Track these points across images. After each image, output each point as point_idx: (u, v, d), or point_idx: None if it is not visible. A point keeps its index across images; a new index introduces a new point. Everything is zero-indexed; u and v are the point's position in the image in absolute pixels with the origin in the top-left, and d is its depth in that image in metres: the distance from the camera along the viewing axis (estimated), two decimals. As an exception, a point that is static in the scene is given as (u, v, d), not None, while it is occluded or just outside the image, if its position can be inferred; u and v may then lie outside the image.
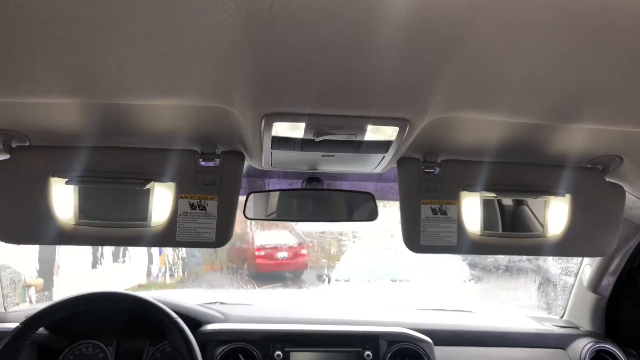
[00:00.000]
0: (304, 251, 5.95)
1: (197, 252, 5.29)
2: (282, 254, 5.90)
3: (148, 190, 1.24)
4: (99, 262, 4.84)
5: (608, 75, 0.87)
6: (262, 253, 5.93)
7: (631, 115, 1.02)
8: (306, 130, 1.03)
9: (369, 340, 1.73)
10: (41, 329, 1.59)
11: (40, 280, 3.75)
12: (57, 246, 3.71)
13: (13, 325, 1.47)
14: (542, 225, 1.38)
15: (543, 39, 0.76)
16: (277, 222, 4.71)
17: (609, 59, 0.81)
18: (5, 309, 1.83)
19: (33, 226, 1.20)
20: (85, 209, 1.24)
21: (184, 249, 4.97)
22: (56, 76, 0.88)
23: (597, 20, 0.71)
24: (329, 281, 4.77)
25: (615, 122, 1.07)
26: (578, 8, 0.69)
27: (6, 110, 1.05)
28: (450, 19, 0.71)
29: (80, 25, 0.72)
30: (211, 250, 4.96)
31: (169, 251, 5.19)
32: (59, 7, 0.68)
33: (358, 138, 1.07)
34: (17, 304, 1.99)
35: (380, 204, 1.56)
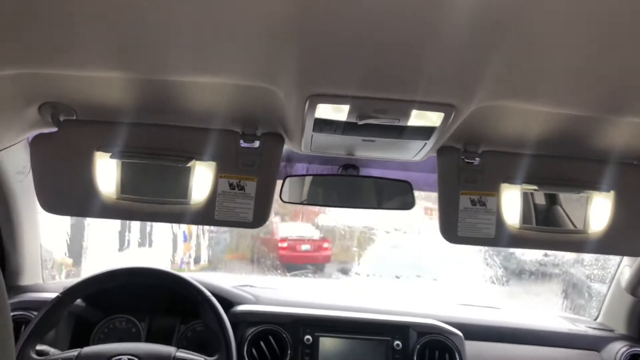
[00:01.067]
0: (326, 244, 5.94)
1: (222, 239, 5.34)
2: (305, 247, 5.89)
3: (189, 168, 1.25)
4: (125, 245, 4.93)
5: None
6: (285, 244, 5.94)
7: None
8: (350, 113, 1.03)
9: (399, 330, 1.72)
10: (78, 301, 1.63)
11: (70, 260, 3.85)
12: (86, 230, 3.80)
13: (52, 295, 1.51)
14: (583, 222, 1.35)
15: (594, 28, 0.74)
16: (306, 209, 4.72)
17: None
18: (44, 281, 1.88)
19: (77, 198, 1.23)
20: (127, 184, 1.26)
21: (213, 233, 5.02)
22: (99, 47, 0.89)
23: None
24: (353, 274, 4.77)
25: None
26: None
27: (54, 82, 1.08)
28: (502, 5, 0.70)
29: None
30: (235, 239, 5.01)
31: (194, 238, 5.26)
32: None
33: (401, 123, 1.06)
34: (54, 276, 2.05)
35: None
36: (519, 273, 4.47)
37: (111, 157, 1.22)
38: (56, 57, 0.93)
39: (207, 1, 0.74)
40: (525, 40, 0.78)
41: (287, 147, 1.35)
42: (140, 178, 1.28)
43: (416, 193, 1.54)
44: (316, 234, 5.79)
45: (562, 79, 0.92)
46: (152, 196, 1.27)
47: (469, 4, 0.70)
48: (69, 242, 3.88)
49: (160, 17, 0.78)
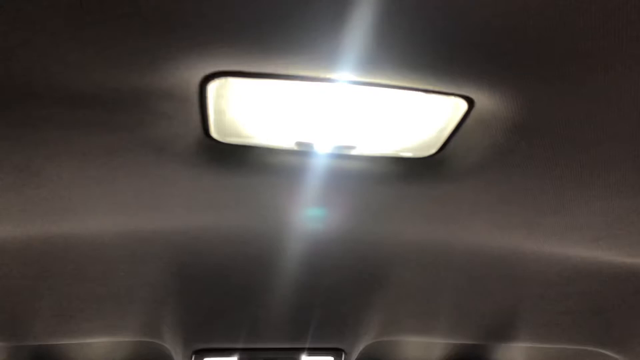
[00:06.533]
0: None
1: None
2: None
3: None
4: None
5: (527, 302, 0.92)
6: None
7: (562, 334, 1.05)
8: None
9: None
10: None
11: None
12: None
13: None
14: None
15: (464, 275, 0.82)
16: None
17: (525, 288, 0.86)
18: None
19: None
20: None
21: None
22: None
23: (507, 262, 0.77)
24: None
25: (548, 341, 1.09)
26: (486, 256, 0.76)
27: None
28: (374, 263, 0.76)
29: (16, 278, 0.74)
30: None
31: None
32: None
33: None
34: None
35: None
36: None
37: None
38: None
39: (89, 279, 0.76)
40: (402, 288, 0.84)
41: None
42: None
43: None
44: None
45: (444, 315, 0.97)
46: None
47: (344, 262, 0.76)
48: None
49: (44, 294, 0.79)
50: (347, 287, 0.83)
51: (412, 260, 0.77)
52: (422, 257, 0.76)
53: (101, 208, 0.61)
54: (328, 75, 0.44)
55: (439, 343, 1.11)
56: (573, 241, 0.73)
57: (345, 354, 1.00)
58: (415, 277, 0.82)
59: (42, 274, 0.74)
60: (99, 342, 1.00)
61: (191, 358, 0.96)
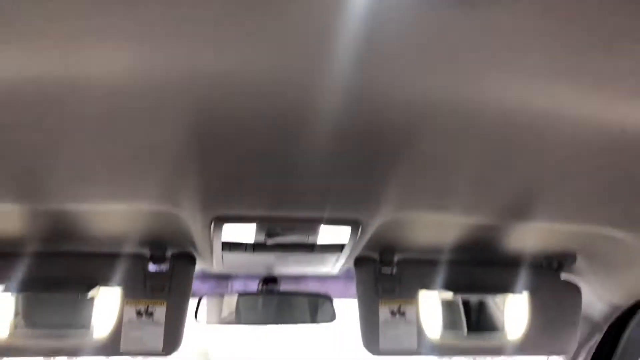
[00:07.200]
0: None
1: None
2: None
3: (92, 297, 1.17)
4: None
5: (552, 176, 0.90)
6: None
7: (580, 213, 1.04)
8: (257, 233, 1.01)
9: None
10: None
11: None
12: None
13: None
14: (504, 325, 1.36)
15: (489, 144, 0.79)
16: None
17: (552, 160, 0.84)
18: None
19: None
20: (22, 319, 1.16)
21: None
22: (1, 181, 0.85)
23: (538, 127, 0.74)
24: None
25: (566, 220, 1.09)
26: (512, 121, 0.72)
27: None
28: (397, 128, 0.73)
29: (26, 131, 0.71)
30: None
31: None
32: (4, 114, 0.67)
33: (311, 240, 1.06)
34: None
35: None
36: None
37: (4, 290, 1.13)
38: None
39: (109, 136, 0.73)
40: (422, 158, 0.81)
41: (199, 266, 1.30)
42: (37, 311, 1.18)
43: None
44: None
45: (463, 190, 0.95)
46: (50, 330, 1.17)
47: (365, 127, 0.73)
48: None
49: (63, 153, 0.77)
50: (370, 155, 0.80)
51: (439, 124, 0.74)
52: (449, 121, 0.73)
53: (116, 38, 0.57)
54: None
55: (454, 223, 1.12)
56: (619, 98, 0.70)
57: (363, 225, 1.00)
58: (439, 145, 0.79)
59: (53, 128, 0.71)
60: (116, 211, 1.00)
61: (210, 225, 0.97)
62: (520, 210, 1.04)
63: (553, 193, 0.96)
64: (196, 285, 1.29)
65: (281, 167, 0.82)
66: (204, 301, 1.42)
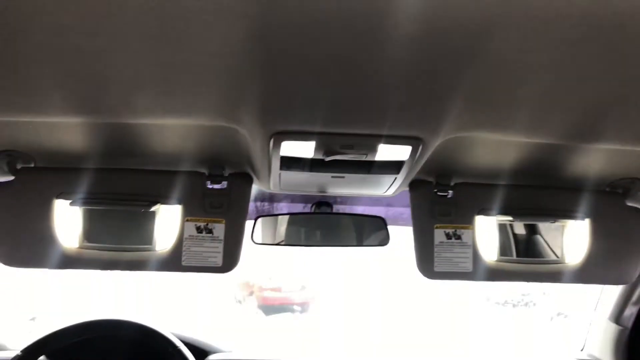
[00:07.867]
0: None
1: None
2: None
3: (153, 213, 1.21)
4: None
5: (628, 92, 0.84)
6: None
7: None
8: (316, 150, 1.00)
9: None
10: (42, 358, 1.54)
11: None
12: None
13: (12, 354, 1.42)
14: (561, 251, 1.33)
15: (560, 54, 0.73)
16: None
17: (629, 74, 0.78)
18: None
19: (36, 250, 1.17)
20: (89, 232, 1.21)
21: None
22: (58, 92, 0.86)
23: (616, 33, 0.68)
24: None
25: (636, 143, 1.03)
26: (595, 21, 0.66)
27: (11, 130, 1.03)
28: (464, 33, 0.68)
29: (84, 36, 0.70)
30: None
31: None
32: (61, 17, 0.66)
33: (369, 158, 1.04)
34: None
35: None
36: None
37: (71, 204, 1.17)
38: (12, 104, 0.89)
39: (169, 45, 0.71)
40: (489, 68, 0.77)
41: (256, 186, 1.31)
42: (102, 225, 1.23)
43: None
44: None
45: (529, 108, 0.91)
46: (115, 244, 1.22)
47: (428, 33, 0.68)
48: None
49: (120, 59, 0.75)
50: (434, 65, 0.76)
51: (512, 27, 0.68)
52: (523, 23, 0.67)
53: None
54: None
55: (516, 144, 1.08)
56: None
57: (423, 144, 0.98)
58: (509, 53, 0.73)
59: (112, 31, 0.69)
60: (174, 126, 1.00)
61: (270, 140, 0.96)
62: (589, 130, 0.98)
63: (627, 111, 0.90)
64: (250, 207, 1.31)
65: (343, 78, 0.79)
66: (259, 222, 1.45)
